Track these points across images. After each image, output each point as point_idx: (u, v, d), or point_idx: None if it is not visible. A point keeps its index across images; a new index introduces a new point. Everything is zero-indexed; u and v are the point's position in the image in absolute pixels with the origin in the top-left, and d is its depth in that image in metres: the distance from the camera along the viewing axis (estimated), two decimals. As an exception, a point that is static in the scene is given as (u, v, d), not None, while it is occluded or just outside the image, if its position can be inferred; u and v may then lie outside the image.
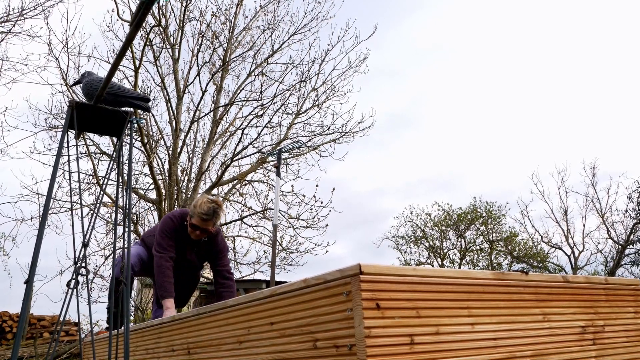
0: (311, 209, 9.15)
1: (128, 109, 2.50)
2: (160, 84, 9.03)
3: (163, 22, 8.87)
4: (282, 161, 9.28)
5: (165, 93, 9.02)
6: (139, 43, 8.24)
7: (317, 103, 9.65)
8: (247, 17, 9.71)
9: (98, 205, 7.57)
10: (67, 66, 7.97)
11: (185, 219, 3.53)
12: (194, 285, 4.02)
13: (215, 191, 9.48)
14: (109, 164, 2.56)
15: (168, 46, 9.11)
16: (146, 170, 8.90)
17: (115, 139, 2.50)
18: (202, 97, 9.16)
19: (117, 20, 8.11)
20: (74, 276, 2.10)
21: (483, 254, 20.05)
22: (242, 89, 9.65)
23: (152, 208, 8.99)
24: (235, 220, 9.60)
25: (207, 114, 9.47)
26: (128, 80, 8.46)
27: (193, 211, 3.41)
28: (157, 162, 8.99)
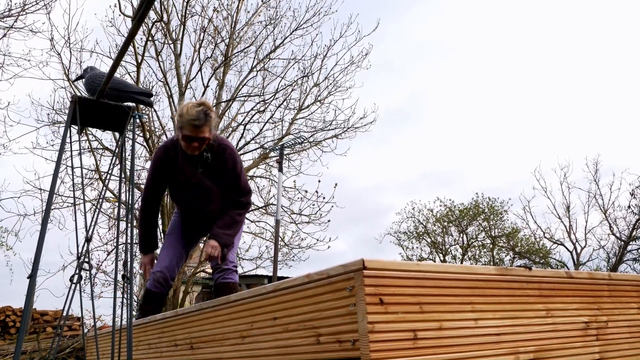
0: (313, 205, 9.15)
1: (130, 104, 2.50)
2: (162, 80, 9.02)
3: (165, 18, 8.85)
4: (284, 157, 9.27)
5: (167, 88, 9.01)
6: (141, 38, 8.23)
7: (319, 98, 9.63)
8: (249, 12, 9.68)
9: (101, 200, 7.58)
10: (69, 61, 7.97)
11: (170, 143, 3.11)
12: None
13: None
14: (112, 159, 2.56)
15: (170, 41, 9.09)
16: (148, 165, 8.90)
17: (117, 134, 2.50)
18: (204, 93, 9.15)
19: (119, 15, 8.08)
20: (77, 271, 2.11)
21: (485, 250, 20.06)
22: (244, 85, 9.63)
23: (155, 203, 8.98)
24: (238, 216, 9.59)
25: (209, 109, 9.44)
26: (130, 75, 8.46)
27: (181, 121, 2.94)
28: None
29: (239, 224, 3.26)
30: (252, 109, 9.56)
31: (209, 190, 3.15)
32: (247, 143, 9.50)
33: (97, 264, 8.48)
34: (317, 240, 9.16)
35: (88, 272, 2.15)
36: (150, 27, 8.25)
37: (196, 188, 3.13)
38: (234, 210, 3.19)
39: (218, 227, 3.10)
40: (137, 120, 2.43)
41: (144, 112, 8.27)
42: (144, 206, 3.30)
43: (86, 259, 2.16)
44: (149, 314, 3.05)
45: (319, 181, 9.03)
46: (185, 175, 3.09)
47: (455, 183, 27.94)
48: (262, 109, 9.51)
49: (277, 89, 9.48)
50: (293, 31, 9.50)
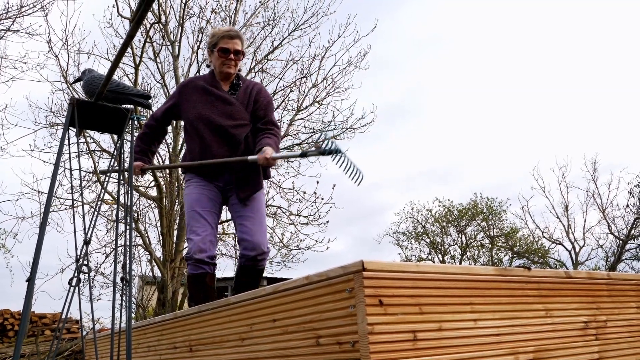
0: (312, 206, 9.14)
1: (129, 106, 2.50)
2: (160, 81, 9.02)
3: (163, 19, 8.85)
4: (287, 160, 9.25)
5: (166, 90, 9.00)
6: (139, 40, 8.23)
7: (317, 99, 9.63)
8: (247, 13, 9.68)
9: (99, 202, 7.57)
10: (67, 64, 7.97)
11: (195, 77, 3.16)
12: (240, 131, 3.03)
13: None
14: (110, 162, 2.55)
15: (168, 43, 9.09)
16: (146, 167, 8.88)
17: (115, 136, 2.49)
18: (202, 94, 9.12)
19: (117, 17, 8.09)
20: (76, 274, 2.10)
21: (484, 250, 20.08)
22: (243, 86, 9.63)
23: (153, 205, 8.98)
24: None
25: (208, 110, 9.42)
26: (128, 77, 8.45)
27: (215, 35, 3.06)
28: (158, 159, 8.98)
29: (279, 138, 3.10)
30: (250, 110, 9.55)
31: (232, 102, 3.03)
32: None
33: (96, 267, 8.47)
34: (316, 241, 9.14)
35: (87, 274, 2.14)
36: (148, 28, 8.25)
37: (219, 97, 3.03)
38: (268, 131, 3.03)
39: (264, 143, 2.89)
40: (136, 122, 2.42)
41: (142, 114, 8.26)
42: (150, 124, 3.15)
43: (85, 262, 2.15)
44: (200, 302, 2.65)
45: (317, 182, 9.03)
46: (215, 94, 3.02)
47: (452, 182, 27.99)
48: (260, 110, 9.50)
49: (276, 90, 9.48)
50: (291, 32, 9.50)
